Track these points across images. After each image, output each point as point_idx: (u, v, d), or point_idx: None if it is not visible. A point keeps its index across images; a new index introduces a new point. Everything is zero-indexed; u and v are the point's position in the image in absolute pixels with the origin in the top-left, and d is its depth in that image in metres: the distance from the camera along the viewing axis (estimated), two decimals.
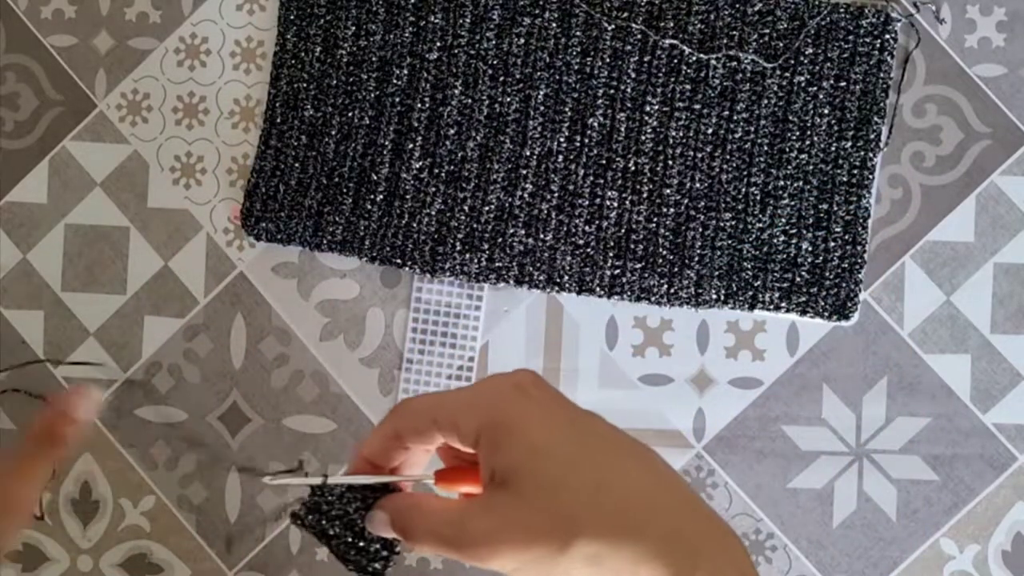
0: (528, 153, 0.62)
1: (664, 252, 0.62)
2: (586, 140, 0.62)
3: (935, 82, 0.63)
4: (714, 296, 0.61)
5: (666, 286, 0.62)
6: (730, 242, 0.62)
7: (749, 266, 0.61)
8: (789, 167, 0.62)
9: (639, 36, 0.62)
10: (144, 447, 0.65)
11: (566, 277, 0.62)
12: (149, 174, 0.65)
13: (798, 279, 0.61)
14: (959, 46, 0.63)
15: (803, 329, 0.63)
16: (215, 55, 0.65)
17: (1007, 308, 0.63)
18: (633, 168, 0.62)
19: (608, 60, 0.62)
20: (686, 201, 0.62)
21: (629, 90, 0.62)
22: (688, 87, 0.62)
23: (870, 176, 0.61)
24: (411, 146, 0.63)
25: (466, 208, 0.62)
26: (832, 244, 0.61)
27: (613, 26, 0.62)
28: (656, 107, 0.62)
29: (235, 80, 0.65)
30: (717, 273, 0.61)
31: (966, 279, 0.63)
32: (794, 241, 0.61)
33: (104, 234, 0.65)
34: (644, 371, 0.64)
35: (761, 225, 0.62)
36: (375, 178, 0.63)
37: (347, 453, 0.64)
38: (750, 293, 0.61)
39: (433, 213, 0.63)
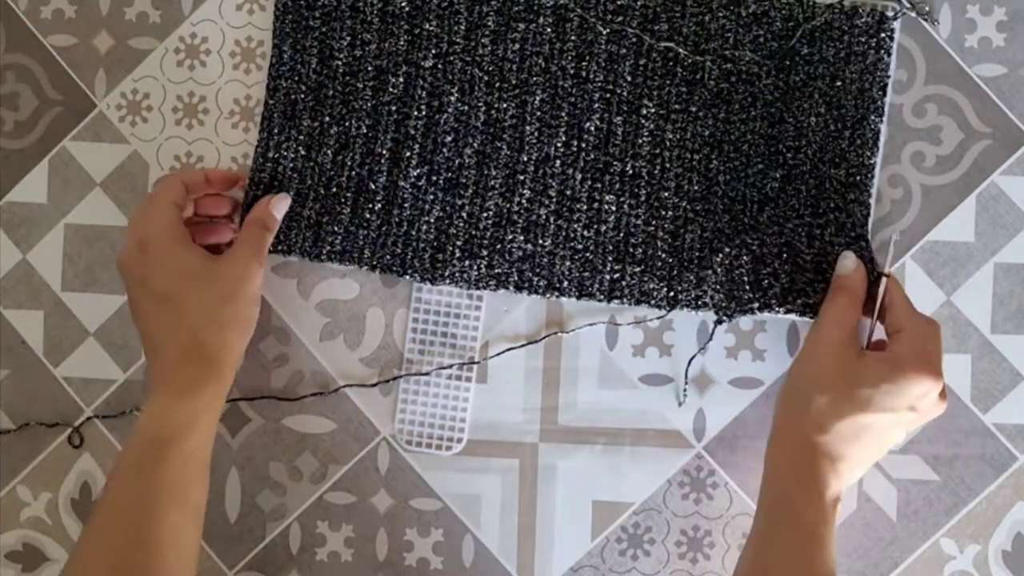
0: (525, 158, 0.62)
1: (663, 255, 0.62)
2: (583, 144, 0.62)
3: (935, 82, 0.63)
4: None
5: (666, 289, 0.62)
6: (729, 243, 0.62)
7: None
8: (786, 168, 0.62)
9: (634, 39, 0.62)
10: None
11: (566, 282, 0.62)
12: (149, 174, 0.65)
13: (798, 279, 0.61)
14: (959, 46, 0.63)
15: (803, 329, 0.63)
16: (215, 55, 0.65)
17: (1007, 308, 0.63)
18: (630, 171, 0.62)
19: (603, 64, 0.62)
20: (684, 203, 0.62)
21: (625, 93, 0.62)
22: (684, 89, 0.62)
23: (869, 176, 0.61)
24: (408, 154, 0.63)
25: (464, 215, 0.62)
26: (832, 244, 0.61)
27: (608, 30, 0.62)
28: (652, 110, 0.62)
29: (235, 80, 0.65)
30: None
31: (966, 279, 0.63)
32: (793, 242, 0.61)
33: (104, 234, 0.65)
34: (644, 371, 0.64)
35: (760, 226, 0.61)
36: (373, 187, 0.63)
37: (347, 451, 0.64)
38: None
39: (432, 221, 0.62)
